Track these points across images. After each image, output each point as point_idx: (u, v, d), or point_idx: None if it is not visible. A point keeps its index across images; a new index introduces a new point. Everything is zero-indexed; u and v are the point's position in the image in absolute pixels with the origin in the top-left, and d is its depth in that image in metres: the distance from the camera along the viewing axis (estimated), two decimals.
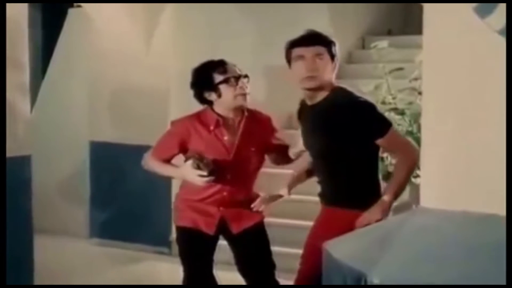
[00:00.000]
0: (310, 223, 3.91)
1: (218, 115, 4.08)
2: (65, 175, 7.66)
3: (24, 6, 5.33)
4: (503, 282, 2.45)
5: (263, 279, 4.22)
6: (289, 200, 4.23)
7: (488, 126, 2.75)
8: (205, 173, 3.94)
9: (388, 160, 4.65)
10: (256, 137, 4.12)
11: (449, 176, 2.85)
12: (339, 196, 3.69)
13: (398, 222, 3.04)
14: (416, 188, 4.00)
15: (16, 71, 5.14)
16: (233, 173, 4.07)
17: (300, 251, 3.89)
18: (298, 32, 3.75)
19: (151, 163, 4.24)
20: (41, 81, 8.14)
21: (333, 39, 3.74)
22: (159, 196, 6.58)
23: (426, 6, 2.93)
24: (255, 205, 4.10)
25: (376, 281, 2.58)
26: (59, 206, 7.57)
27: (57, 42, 8.08)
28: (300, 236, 3.95)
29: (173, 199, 4.44)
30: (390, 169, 4.68)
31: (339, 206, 3.67)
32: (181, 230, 4.21)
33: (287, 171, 4.40)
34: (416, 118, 4.65)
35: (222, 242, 4.27)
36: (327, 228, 3.57)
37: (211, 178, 3.96)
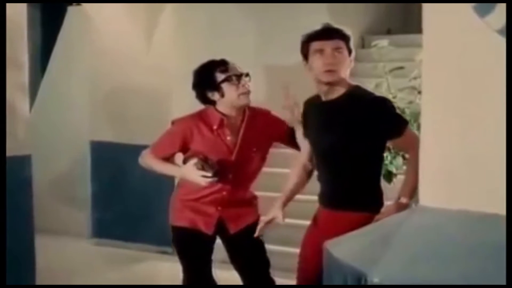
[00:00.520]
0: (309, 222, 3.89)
1: (222, 114, 4.07)
2: (66, 175, 7.66)
3: (23, 6, 5.33)
4: (503, 282, 2.45)
5: (258, 276, 4.21)
6: None
7: (488, 126, 2.74)
8: (209, 174, 3.92)
9: (388, 160, 4.64)
10: (258, 135, 4.11)
11: (449, 176, 2.84)
12: (342, 197, 3.65)
13: (398, 221, 3.04)
14: None
15: (16, 70, 5.14)
16: (234, 173, 4.07)
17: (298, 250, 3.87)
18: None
19: (149, 161, 4.20)
20: (40, 80, 8.14)
21: (350, 33, 3.68)
22: (161, 195, 6.54)
23: (426, 6, 2.93)
24: (257, 234, 3.94)
25: (376, 281, 2.59)
26: (60, 206, 7.57)
27: (56, 41, 8.07)
28: (300, 236, 3.93)
29: None
30: (390, 168, 4.69)
31: (340, 208, 3.62)
32: (179, 230, 4.20)
33: (287, 171, 4.39)
34: (416, 117, 4.63)
35: (217, 241, 4.26)
36: (329, 230, 3.49)
37: (215, 179, 3.95)
